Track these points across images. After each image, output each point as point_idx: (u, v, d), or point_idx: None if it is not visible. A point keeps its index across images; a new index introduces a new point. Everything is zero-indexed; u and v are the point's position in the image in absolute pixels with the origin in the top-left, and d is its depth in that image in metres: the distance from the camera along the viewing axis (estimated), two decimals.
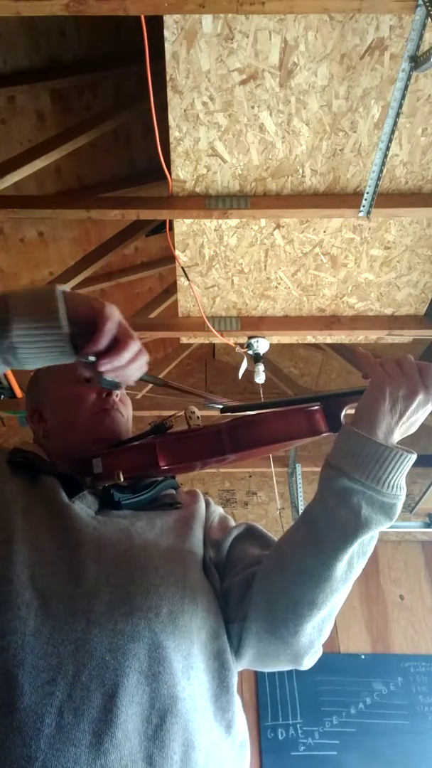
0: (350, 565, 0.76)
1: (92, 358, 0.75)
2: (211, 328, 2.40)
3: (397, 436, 0.77)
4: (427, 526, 3.54)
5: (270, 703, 3.40)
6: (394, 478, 0.74)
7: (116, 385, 0.82)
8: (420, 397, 0.76)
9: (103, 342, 0.74)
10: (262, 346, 2.52)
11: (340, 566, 0.74)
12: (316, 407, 0.86)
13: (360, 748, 3.24)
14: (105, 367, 0.75)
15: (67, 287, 0.78)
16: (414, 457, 0.75)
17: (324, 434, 0.85)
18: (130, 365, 0.77)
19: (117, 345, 0.75)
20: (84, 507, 0.83)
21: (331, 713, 3.35)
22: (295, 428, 0.85)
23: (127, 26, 1.99)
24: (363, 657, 3.52)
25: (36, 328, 0.72)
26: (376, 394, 0.77)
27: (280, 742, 3.27)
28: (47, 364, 0.77)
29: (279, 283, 2.32)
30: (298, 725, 3.33)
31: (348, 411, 0.85)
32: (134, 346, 0.77)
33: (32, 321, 0.72)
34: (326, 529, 0.75)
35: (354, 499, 0.73)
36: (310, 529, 0.77)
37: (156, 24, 1.52)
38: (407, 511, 3.69)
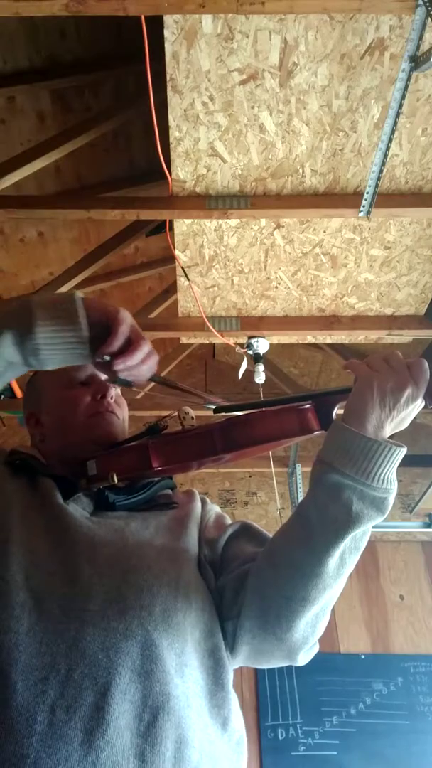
0: (342, 561, 0.76)
1: (107, 358, 0.80)
2: (211, 328, 2.40)
3: (388, 430, 0.77)
4: (427, 526, 3.53)
5: (270, 703, 3.39)
6: (384, 472, 0.74)
7: (129, 384, 0.87)
8: (408, 391, 0.76)
9: (117, 343, 0.79)
10: (262, 346, 2.52)
11: (332, 562, 0.74)
12: (308, 406, 0.86)
13: (360, 748, 3.23)
14: (119, 366, 0.80)
15: (80, 293, 0.83)
16: (404, 450, 0.75)
17: (316, 432, 0.86)
18: (142, 365, 0.82)
19: (130, 346, 0.80)
20: (79, 508, 0.84)
21: (331, 713, 3.34)
22: (287, 427, 0.85)
23: (127, 26, 1.98)
24: (363, 657, 3.51)
25: (59, 331, 0.78)
26: (364, 389, 0.77)
27: (280, 742, 3.26)
28: (65, 365, 0.82)
29: (279, 283, 2.32)
30: (298, 725, 3.32)
31: (340, 410, 0.85)
32: (146, 347, 0.82)
33: (56, 324, 0.77)
34: (318, 525, 0.75)
35: (345, 494, 0.73)
36: (302, 525, 0.77)
37: (156, 24, 1.52)
38: (407, 511, 3.68)
